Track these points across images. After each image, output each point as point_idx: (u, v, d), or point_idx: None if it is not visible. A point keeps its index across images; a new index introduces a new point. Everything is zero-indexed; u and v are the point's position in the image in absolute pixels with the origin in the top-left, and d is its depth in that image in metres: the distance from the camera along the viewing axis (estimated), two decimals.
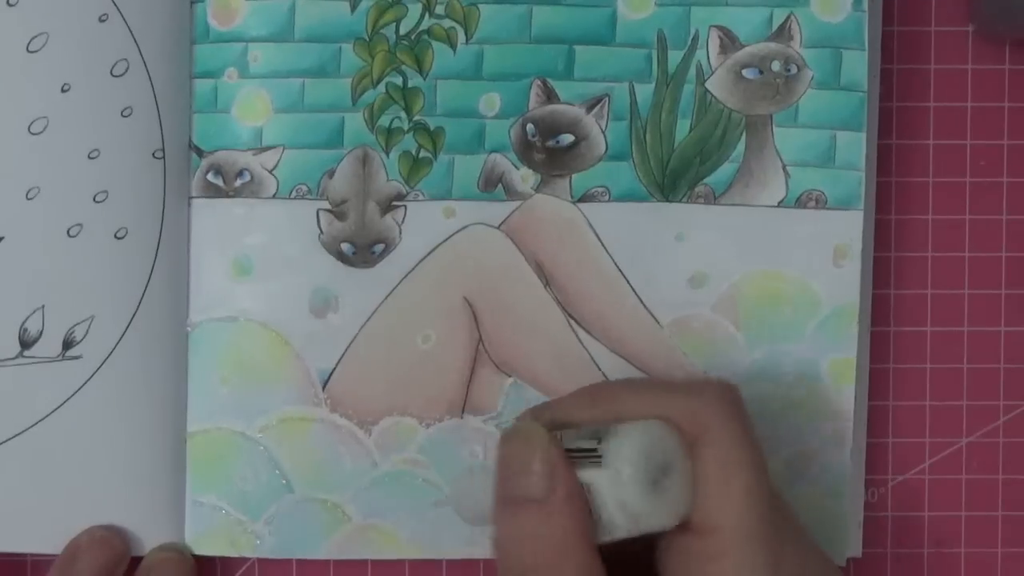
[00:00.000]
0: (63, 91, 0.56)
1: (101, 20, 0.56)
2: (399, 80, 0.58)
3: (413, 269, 0.59)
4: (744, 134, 0.59)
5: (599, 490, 0.48)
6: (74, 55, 0.56)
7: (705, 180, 0.59)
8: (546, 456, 0.48)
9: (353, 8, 0.58)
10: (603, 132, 0.59)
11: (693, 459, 0.49)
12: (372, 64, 0.58)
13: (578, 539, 0.48)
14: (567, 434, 0.50)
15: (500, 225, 0.59)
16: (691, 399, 0.49)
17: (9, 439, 0.57)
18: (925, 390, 0.62)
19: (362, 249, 0.59)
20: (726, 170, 0.59)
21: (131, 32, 0.57)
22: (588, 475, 0.48)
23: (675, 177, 0.59)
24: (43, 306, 0.57)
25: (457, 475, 0.57)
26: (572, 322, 0.59)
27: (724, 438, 0.49)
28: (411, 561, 0.61)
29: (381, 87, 0.58)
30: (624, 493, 0.48)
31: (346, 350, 0.59)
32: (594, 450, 0.48)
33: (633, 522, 0.48)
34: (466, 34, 0.58)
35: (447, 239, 0.59)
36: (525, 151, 0.59)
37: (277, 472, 0.59)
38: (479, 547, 0.59)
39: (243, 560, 0.60)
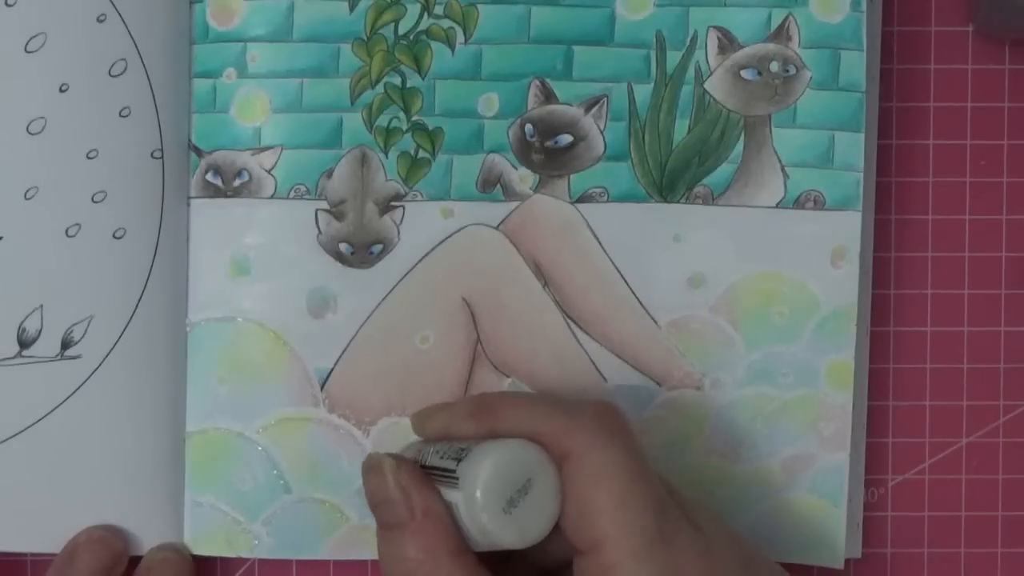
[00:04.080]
0: (61, 91, 0.56)
1: (99, 20, 0.56)
2: (398, 80, 0.58)
3: (411, 269, 0.59)
4: (743, 135, 0.59)
5: (457, 510, 0.50)
6: (72, 55, 0.56)
7: (703, 181, 0.59)
8: (398, 483, 0.51)
9: (352, 8, 0.58)
10: (601, 132, 0.59)
11: (563, 475, 0.49)
12: (371, 64, 0.58)
13: (444, 555, 0.50)
14: (438, 449, 0.52)
15: (498, 225, 0.59)
16: (563, 417, 0.50)
17: (8, 439, 0.57)
18: (925, 390, 0.62)
19: (360, 249, 0.59)
20: (724, 171, 0.59)
21: (129, 32, 0.57)
22: (449, 495, 0.50)
23: (673, 178, 0.59)
24: (42, 306, 0.57)
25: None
26: (570, 322, 0.59)
27: (592, 453, 0.49)
28: None
29: (380, 87, 0.58)
30: (477, 515, 0.49)
31: (344, 350, 0.59)
32: (453, 471, 0.50)
33: (488, 540, 0.50)
34: (465, 34, 0.58)
35: (445, 239, 0.59)
36: (524, 151, 0.59)
37: (275, 472, 0.59)
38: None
39: (243, 560, 0.60)
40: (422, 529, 0.50)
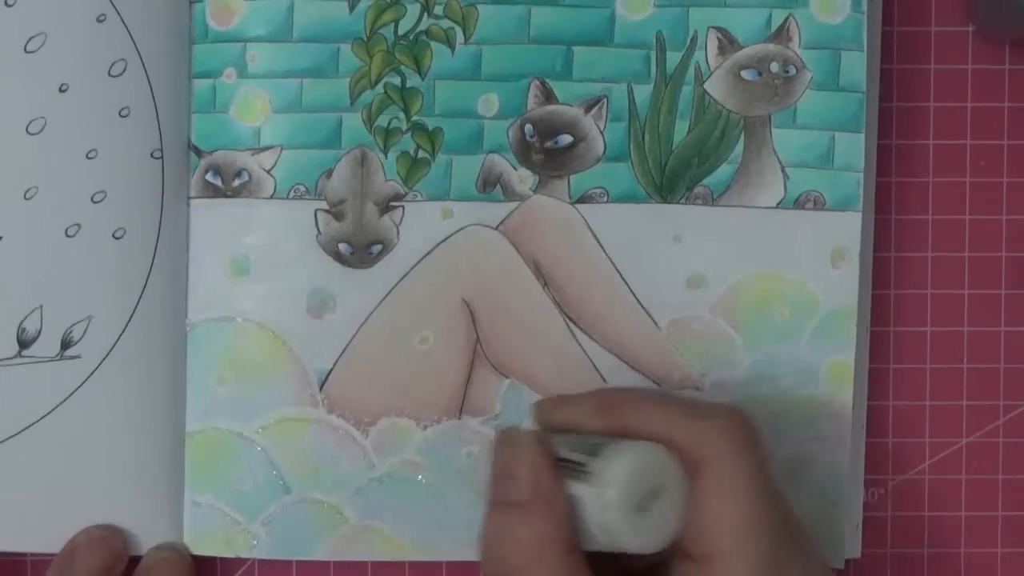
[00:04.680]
0: (61, 91, 0.56)
1: (99, 20, 0.56)
2: (397, 80, 0.58)
3: (411, 270, 0.59)
4: (743, 135, 0.59)
5: (584, 505, 0.49)
6: (72, 55, 0.56)
7: (703, 181, 0.59)
8: (531, 463, 0.50)
9: (351, 8, 0.58)
10: (601, 133, 0.59)
11: (693, 486, 0.49)
12: (370, 64, 0.58)
13: (554, 545, 0.48)
14: (566, 440, 0.50)
15: (498, 226, 0.59)
16: (697, 423, 0.49)
17: (7, 439, 0.57)
18: (925, 390, 0.62)
19: (360, 249, 0.58)
20: (724, 171, 0.59)
21: (129, 32, 0.57)
22: (576, 488, 0.49)
23: (673, 178, 0.59)
24: (41, 306, 0.57)
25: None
26: (570, 323, 0.59)
27: (725, 465, 0.48)
28: (411, 562, 0.61)
29: (379, 87, 0.58)
30: (605, 513, 0.48)
31: (344, 351, 0.59)
32: (585, 465, 0.49)
33: (612, 541, 0.49)
34: (464, 34, 0.58)
35: (445, 240, 0.59)
36: (523, 152, 0.59)
37: (274, 473, 0.59)
38: (476, 549, 0.59)
39: (243, 560, 0.60)
40: (540, 514, 0.49)
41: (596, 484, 0.48)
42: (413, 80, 0.58)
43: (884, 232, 0.61)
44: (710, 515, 0.48)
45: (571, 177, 0.59)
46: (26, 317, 0.57)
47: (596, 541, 0.49)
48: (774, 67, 0.58)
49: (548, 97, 0.59)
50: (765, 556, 0.48)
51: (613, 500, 0.48)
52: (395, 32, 0.58)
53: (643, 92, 0.59)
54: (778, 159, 0.59)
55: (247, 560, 0.60)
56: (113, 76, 0.57)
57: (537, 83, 0.59)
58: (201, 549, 0.59)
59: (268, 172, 0.58)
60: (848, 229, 0.59)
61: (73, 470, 0.58)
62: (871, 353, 0.61)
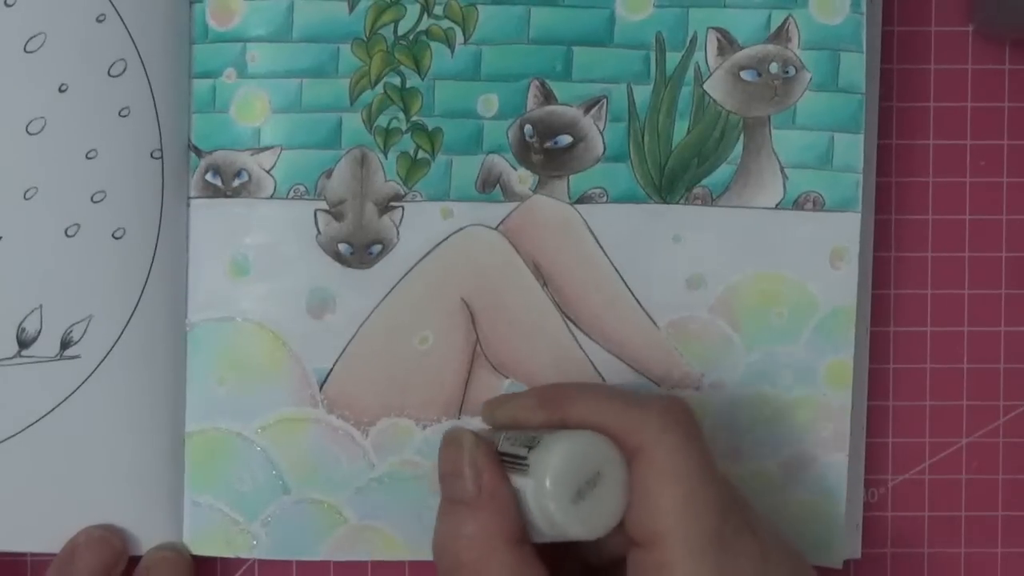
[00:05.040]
0: (61, 91, 0.56)
1: (99, 20, 0.56)
2: (397, 80, 0.58)
3: (411, 270, 0.59)
4: (742, 136, 0.59)
5: (525, 497, 0.50)
6: (72, 55, 0.56)
7: (703, 182, 0.59)
8: (472, 461, 0.51)
9: (351, 8, 0.58)
10: (601, 133, 0.59)
11: (632, 471, 0.49)
12: (370, 64, 0.58)
13: (502, 540, 0.50)
14: (509, 436, 0.52)
15: (498, 226, 0.59)
16: (634, 411, 0.50)
17: (7, 439, 0.57)
18: (925, 390, 0.62)
19: (359, 250, 0.59)
20: (724, 172, 0.59)
21: (129, 32, 0.57)
22: (518, 482, 0.50)
23: (673, 178, 0.59)
24: (41, 306, 0.57)
25: None
26: (569, 323, 0.59)
27: (661, 449, 0.49)
28: (411, 562, 0.61)
29: (379, 87, 0.58)
30: (546, 503, 0.49)
31: (343, 351, 0.59)
32: (524, 457, 0.50)
33: (555, 530, 0.50)
34: (464, 35, 0.58)
35: (445, 240, 0.59)
36: (523, 152, 0.59)
37: (274, 473, 0.59)
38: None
39: (243, 560, 0.60)
40: (485, 509, 0.50)
41: (533, 475, 0.49)
42: (413, 80, 0.58)
43: (884, 232, 0.61)
44: (649, 497, 0.49)
45: (571, 177, 0.59)
46: (26, 317, 0.57)
47: (541, 532, 0.50)
48: (773, 68, 0.58)
49: (548, 97, 0.59)
50: (709, 533, 0.48)
51: (549, 490, 0.49)
52: (395, 32, 0.58)
53: (643, 92, 0.59)
54: (777, 160, 0.59)
55: (247, 560, 0.60)
56: (113, 76, 0.57)
57: (537, 83, 0.59)
58: (201, 549, 0.59)
59: (268, 172, 0.58)
60: (847, 229, 0.59)
61: (73, 470, 0.58)
62: (871, 353, 0.61)
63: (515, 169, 0.59)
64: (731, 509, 0.49)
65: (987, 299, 0.62)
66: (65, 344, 0.57)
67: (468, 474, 0.51)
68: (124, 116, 0.57)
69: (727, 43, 0.59)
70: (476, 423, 0.59)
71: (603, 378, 0.59)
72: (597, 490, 0.49)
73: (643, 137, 0.59)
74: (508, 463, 0.51)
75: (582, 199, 0.59)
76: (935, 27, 0.61)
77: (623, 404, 0.50)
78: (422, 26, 0.58)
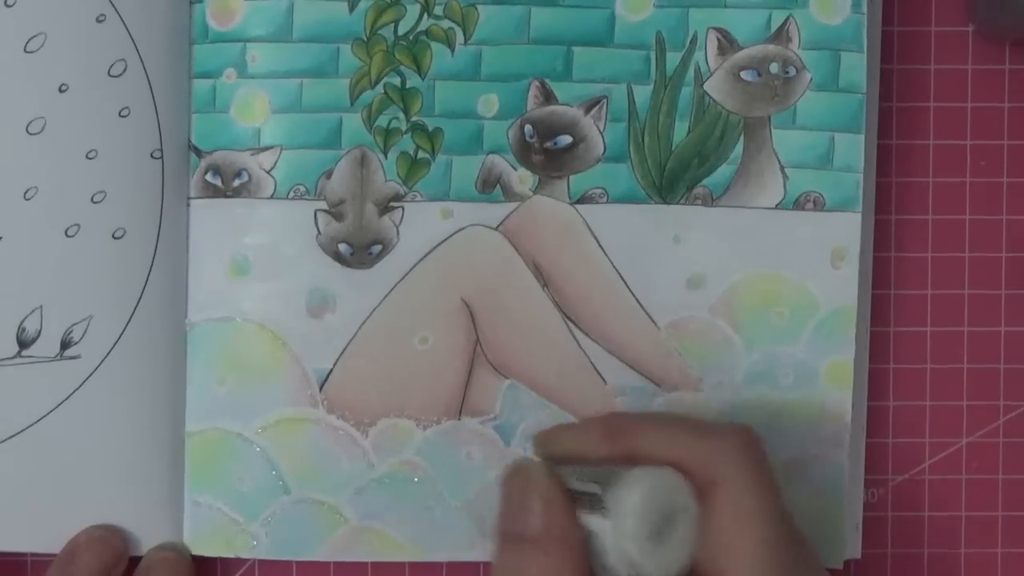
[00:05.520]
0: (61, 91, 0.56)
1: (99, 20, 0.56)
2: (397, 81, 0.58)
3: (411, 270, 0.59)
4: (742, 136, 0.59)
5: (601, 537, 0.48)
6: (72, 55, 0.56)
7: (703, 182, 0.59)
8: (544, 496, 0.48)
9: (351, 8, 0.58)
10: (601, 133, 0.59)
11: (704, 507, 0.48)
12: (370, 64, 0.58)
13: None
14: (574, 471, 0.50)
15: (498, 226, 0.59)
16: (706, 443, 0.49)
17: (7, 439, 0.57)
18: (925, 390, 0.62)
19: (359, 250, 0.59)
20: (724, 172, 0.59)
21: (129, 32, 0.57)
22: (591, 521, 0.48)
23: (673, 179, 0.59)
24: (41, 306, 0.57)
25: (479, 488, 0.59)
26: (570, 324, 0.59)
27: (737, 486, 0.48)
28: (411, 562, 0.61)
29: (379, 88, 0.58)
30: (625, 544, 0.47)
31: (343, 351, 0.59)
32: (598, 495, 0.48)
33: (633, 571, 0.48)
34: (464, 35, 0.58)
35: (445, 240, 0.59)
36: (523, 152, 0.59)
37: (274, 473, 0.59)
38: (476, 550, 0.59)
39: (243, 560, 0.60)
40: (554, 551, 0.48)
41: (612, 516, 0.48)
42: (413, 80, 0.58)
43: (884, 232, 0.61)
44: (722, 538, 0.48)
45: (571, 177, 0.59)
46: (26, 317, 0.57)
47: (614, 573, 0.48)
48: (774, 68, 0.58)
49: (548, 97, 0.59)
50: (779, 572, 0.48)
51: (632, 530, 0.47)
52: (395, 32, 0.58)
53: (643, 93, 0.59)
54: (778, 160, 0.59)
55: (247, 560, 0.60)
56: (113, 76, 0.57)
57: (537, 83, 0.59)
58: (201, 549, 0.59)
59: (268, 172, 0.58)
60: (848, 230, 0.59)
61: (73, 470, 0.58)
62: (871, 353, 0.61)
63: (515, 169, 0.59)
64: (792, 549, 0.49)
65: (987, 299, 0.62)
66: (65, 344, 0.57)
67: (537, 509, 0.48)
68: (124, 116, 0.57)
69: (727, 43, 0.59)
70: (476, 424, 0.59)
71: (604, 379, 0.59)
72: (673, 529, 0.48)
73: (643, 137, 0.59)
74: (578, 500, 0.49)
75: (582, 199, 0.59)
76: (935, 27, 0.61)
77: (697, 436, 0.49)
78: (422, 26, 0.58)
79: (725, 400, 0.59)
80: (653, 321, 0.59)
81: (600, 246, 0.59)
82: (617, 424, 0.51)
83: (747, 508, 0.48)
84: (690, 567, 0.48)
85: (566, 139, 0.59)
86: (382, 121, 0.58)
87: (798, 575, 0.49)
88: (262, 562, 0.60)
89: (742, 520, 0.48)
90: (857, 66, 0.58)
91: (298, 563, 0.60)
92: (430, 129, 0.58)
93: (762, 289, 0.59)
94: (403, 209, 0.59)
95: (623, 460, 0.49)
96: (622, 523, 0.47)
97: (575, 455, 0.51)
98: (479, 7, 0.58)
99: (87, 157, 0.57)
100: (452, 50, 0.58)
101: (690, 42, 0.59)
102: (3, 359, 0.57)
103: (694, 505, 0.48)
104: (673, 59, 0.59)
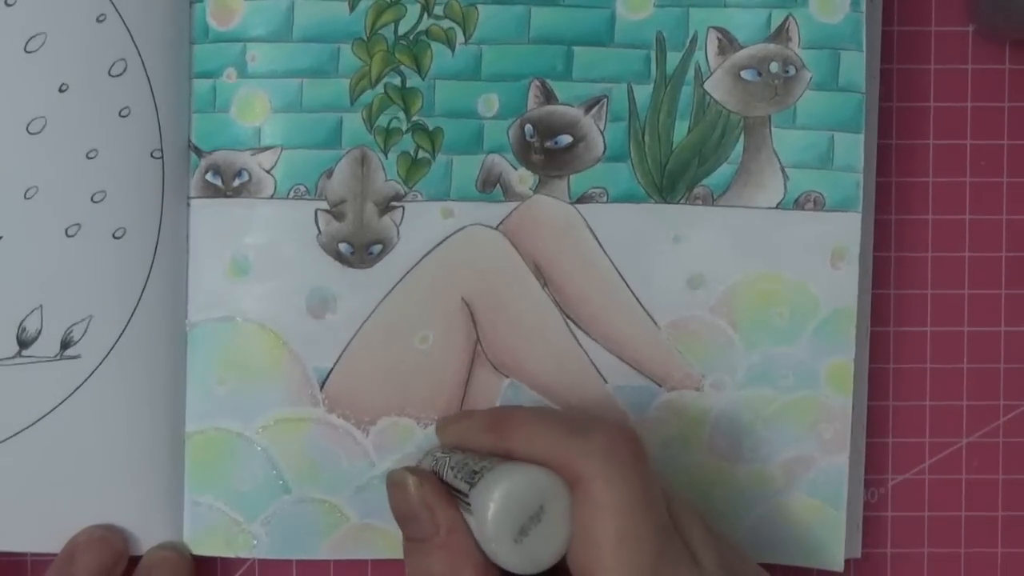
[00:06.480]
0: (61, 91, 0.56)
1: (99, 20, 0.56)
2: (397, 80, 0.58)
3: (411, 270, 0.59)
4: (742, 135, 0.59)
5: (473, 532, 0.50)
6: (72, 55, 0.56)
7: (703, 181, 0.59)
8: (424, 501, 0.51)
9: (352, 8, 0.58)
10: (601, 133, 0.59)
11: (572, 503, 0.49)
12: (370, 64, 0.58)
13: (469, 570, 0.50)
14: (455, 465, 0.52)
15: (498, 226, 0.59)
16: (572, 440, 0.49)
17: (7, 439, 0.57)
18: (925, 390, 0.62)
19: (360, 249, 0.59)
20: (724, 171, 0.59)
21: (129, 32, 0.57)
22: (466, 517, 0.50)
23: (673, 178, 0.59)
24: (41, 306, 0.57)
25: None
26: (570, 323, 0.59)
27: (599, 481, 0.48)
28: None
29: (379, 87, 0.58)
30: (487, 541, 0.49)
31: (344, 350, 0.59)
32: (466, 495, 0.50)
33: (502, 564, 0.49)
34: (465, 34, 0.58)
35: (445, 240, 0.59)
36: (523, 152, 0.59)
37: (274, 472, 0.59)
38: None
39: (243, 560, 0.60)
40: (447, 545, 0.50)
41: (475, 515, 0.49)
42: (413, 80, 0.58)
43: (884, 232, 0.61)
44: (587, 531, 0.49)
45: (571, 177, 0.59)
46: (26, 317, 0.57)
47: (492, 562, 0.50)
48: (774, 67, 0.58)
49: (548, 97, 0.59)
50: (644, 568, 0.48)
51: (491, 533, 0.49)
52: (395, 32, 0.58)
53: (643, 92, 0.59)
54: (778, 159, 0.59)
55: (247, 560, 0.60)
56: (113, 76, 0.57)
57: (537, 83, 0.59)
58: (201, 549, 0.59)
59: (268, 172, 0.58)
60: (848, 229, 0.59)
61: (73, 470, 0.58)
62: (871, 353, 0.61)
63: (515, 169, 0.59)
64: (669, 540, 0.49)
65: (987, 299, 0.62)
66: (65, 344, 0.57)
67: (422, 514, 0.51)
68: (124, 116, 0.57)
69: (727, 43, 0.59)
70: None
71: (604, 378, 0.59)
72: (540, 525, 0.49)
73: (643, 137, 0.59)
74: (455, 494, 0.51)
75: (582, 199, 0.59)
76: (935, 27, 0.61)
77: (565, 432, 0.50)
78: (422, 26, 0.58)
79: (725, 400, 0.59)
80: (653, 321, 0.59)
81: (600, 246, 0.59)
82: (498, 417, 0.53)
83: (607, 501, 0.48)
84: (566, 557, 0.49)
85: (566, 139, 0.59)
86: (382, 121, 0.58)
87: (665, 567, 0.49)
88: (262, 562, 0.60)
89: (601, 514, 0.48)
90: (857, 65, 0.58)
91: (298, 562, 0.60)
92: (430, 129, 0.58)
93: (762, 289, 0.59)
94: (403, 209, 0.59)
95: (501, 452, 0.51)
96: (483, 523, 0.49)
97: (462, 444, 0.53)
98: (479, 7, 0.58)
99: (87, 157, 0.57)
100: (452, 50, 0.58)
101: (690, 42, 0.59)
102: (3, 359, 0.57)
103: (564, 500, 0.49)
104: (673, 59, 0.59)
